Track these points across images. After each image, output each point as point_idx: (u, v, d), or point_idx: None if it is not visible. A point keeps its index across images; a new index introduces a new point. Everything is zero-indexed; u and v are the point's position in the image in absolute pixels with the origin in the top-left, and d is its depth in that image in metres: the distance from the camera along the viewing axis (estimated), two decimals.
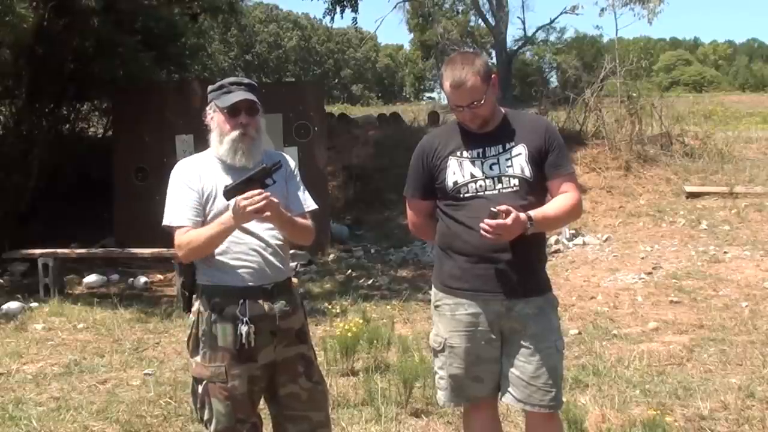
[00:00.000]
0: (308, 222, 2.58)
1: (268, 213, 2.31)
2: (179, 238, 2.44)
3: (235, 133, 2.45)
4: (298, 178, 2.65)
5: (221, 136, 2.48)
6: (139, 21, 9.55)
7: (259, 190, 2.31)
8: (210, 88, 2.56)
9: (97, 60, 8.49)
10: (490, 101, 2.51)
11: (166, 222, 2.48)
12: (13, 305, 6.54)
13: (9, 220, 8.17)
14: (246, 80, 2.55)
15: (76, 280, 7.78)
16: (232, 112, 2.46)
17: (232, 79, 2.55)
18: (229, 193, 2.36)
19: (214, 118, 2.51)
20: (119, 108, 9.50)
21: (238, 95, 2.46)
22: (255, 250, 2.46)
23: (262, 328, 2.44)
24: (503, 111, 2.61)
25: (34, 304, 6.67)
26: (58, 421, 3.86)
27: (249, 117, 2.48)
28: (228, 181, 2.44)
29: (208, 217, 2.46)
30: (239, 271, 2.45)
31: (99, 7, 7.47)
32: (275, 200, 2.34)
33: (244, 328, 2.40)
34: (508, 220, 2.33)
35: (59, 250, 7.48)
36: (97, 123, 11.92)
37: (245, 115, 2.47)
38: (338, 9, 16.84)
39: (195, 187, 2.47)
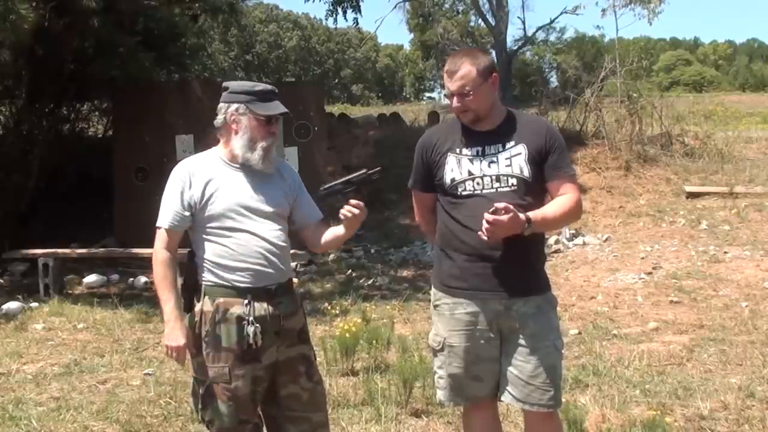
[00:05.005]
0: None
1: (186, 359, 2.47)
2: (158, 244, 2.48)
3: (269, 142, 2.51)
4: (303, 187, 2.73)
5: (252, 141, 2.48)
6: (139, 21, 9.55)
7: (357, 202, 2.46)
8: (237, 88, 2.53)
9: (97, 60, 8.49)
10: (483, 96, 2.49)
11: (158, 224, 2.52)
12: (13, 305, 6.54)
13: (9, 220, 8.16)
14: (274, 88, 2.59)
15: (76, 280, 7.77)
16: (270, 121, 2.51)
17: (265, 87, 2.55)
18: (329, 192, 2.44)
19: (241, 121, 2.49)
20: (119, 108, 9.50)
21: (279, 107, 2.52)
22: (259, 252, 2.47)
23: (267, 328, 2.45)
24: (506, 110, 2.60)
25: (34, 304, 6.67)
26: (58, 421, 3.86)
27: (277, 125, 2.57)
28: (234, 181, 2.47)
29: (205, 214, 2.46)
30: (244, 271, 2.46)
31: (99, 8, 7.46)
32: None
33: (250, 329, 2.41)
34: (504, 217, 2.33)
35: (59, 250, 7.48)
36: (97, 123, 11.92)
37: (275, 124, 2.55)
38: (339, 10, 16.81)
39: (195, 187, 2.47)
